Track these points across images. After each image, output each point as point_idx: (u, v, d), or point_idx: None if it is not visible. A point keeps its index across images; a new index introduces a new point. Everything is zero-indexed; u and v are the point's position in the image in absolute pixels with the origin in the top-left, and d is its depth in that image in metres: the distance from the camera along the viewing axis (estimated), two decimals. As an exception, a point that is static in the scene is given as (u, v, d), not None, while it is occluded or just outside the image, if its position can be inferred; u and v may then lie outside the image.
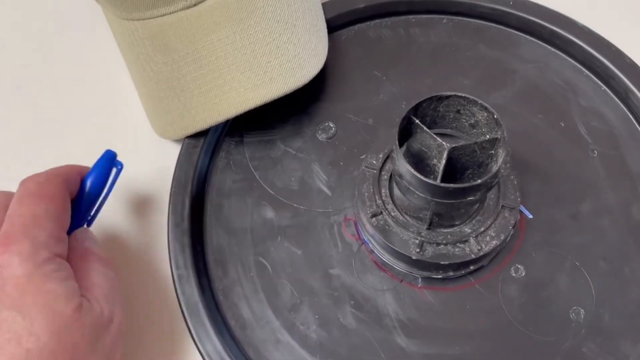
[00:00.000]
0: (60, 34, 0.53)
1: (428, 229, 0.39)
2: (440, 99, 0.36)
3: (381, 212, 0.39)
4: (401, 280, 0.40)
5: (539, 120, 0.44)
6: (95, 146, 0.47)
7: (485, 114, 0.36)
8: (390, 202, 0.40)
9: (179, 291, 0.39)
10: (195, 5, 0.42)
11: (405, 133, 0.37)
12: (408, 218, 0.39)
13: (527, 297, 0.39)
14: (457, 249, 0.38)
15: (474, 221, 0.39)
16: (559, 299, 0.39)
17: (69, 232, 0.38)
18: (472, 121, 0.37)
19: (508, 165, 0.40)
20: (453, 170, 0.37)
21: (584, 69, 0.46)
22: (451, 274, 0.39)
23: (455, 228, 0.39)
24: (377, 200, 0.39)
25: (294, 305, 0.40)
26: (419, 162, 0.38)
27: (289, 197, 0.43)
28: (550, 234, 0.41)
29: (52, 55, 0.52)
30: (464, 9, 0.48)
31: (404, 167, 0.35)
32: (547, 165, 0.43)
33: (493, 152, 0.36)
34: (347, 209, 0.42)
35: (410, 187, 0.35)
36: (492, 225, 0.38)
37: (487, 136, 0.37)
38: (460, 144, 0.35)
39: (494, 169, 0.34)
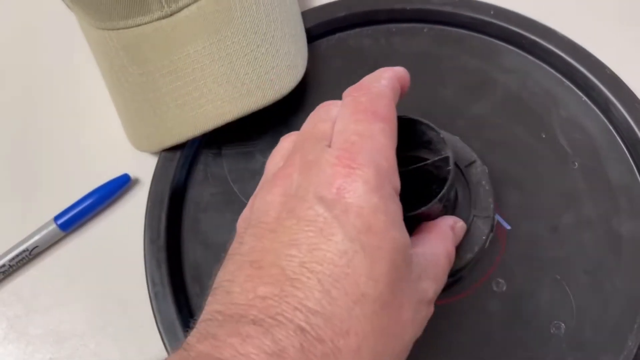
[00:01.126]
0: (34, 41, 0.52)
1: None
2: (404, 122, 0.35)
3: None
4: (381, 295, 0.39)
5: (519, 131, 0.44)
6: (70, 157, 0.47)
7: (434, 133, 0.35)
8: None
9: (155, 309, 0.38)
10: (170, 15, 0.41)
11: None
12: None
13: (508, 311, 0.39)
14: None
15: None
16: (540, 313, 0.39)
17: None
18: (426, 139, 0.37)
19: (478, 170, 0.39)
20: (412, 192, 0.34)
21: (564, 80, 0.46)
22: None
23: None
24: None
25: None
26: None
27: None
28: (531, 247, 0.41)
29: (24, 61, 0.51)
30: (445, 18, 0.47)
31: None
32: (527, 177, 0.43)
33: (450, 168, 0.34)
34: (327, 222, 0.42)
35: None
36: (465, 238, 0.37)
37: (443, 153, 0.35)
38: (410, 167, 0.34)
39: (441, 193, 0.33)
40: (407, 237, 0.29)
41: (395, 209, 0.28)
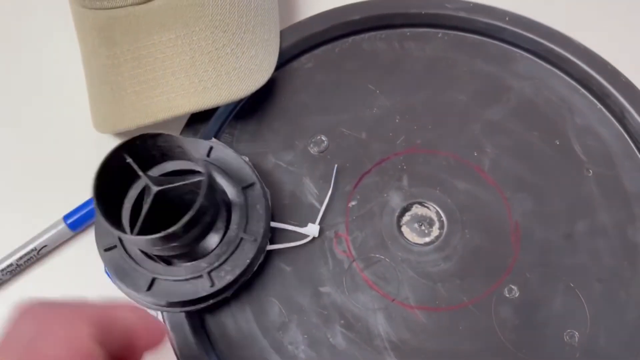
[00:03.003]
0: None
1: (167, 264, 0.37)
2: (152, 136, 0.34)
3: (115, 246, 0.37)
4: (393, 300, 0.39)
5: (533, 138, 0.44)
6: (80, 156, 0.46)
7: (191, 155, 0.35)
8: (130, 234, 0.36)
9: (163, 311, 0.38)
10: (145, 2, 0.41)
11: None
12: (146, 252, 0.37)
13: (521, 318, 0.38)
14: (188, 285, 0.36)
15: (212, 255, 0.37)
16: (553, 321, 0.38)
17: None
18: (198, 156, 0.36)
19: (256, 193, 0.38)
20: (185, 207, 0.33)
21: (579, 87, 0.45)
22: (189, 308, 0.37)
23: (193, 263, 0.36)
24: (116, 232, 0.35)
25: (282, 324, 0.39)
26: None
27: (279, 212, 0.42)
28: (544, 254, 0.40)
29: (34, 55, 0.51)
30: (460, 24, 0.47)
31: (97, 209, 0.32)
32: (541, 184, 0.42)
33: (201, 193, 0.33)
34: (339, 225, 0.41)
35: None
36: (229, 260, 0.36)
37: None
38: (169, 186, 0.34)
39: (184, 219, 0.32)
40: None
41: None
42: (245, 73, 0.41)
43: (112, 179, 0.33)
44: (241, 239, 0.37)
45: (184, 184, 0.34)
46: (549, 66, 0.46)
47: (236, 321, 0.39)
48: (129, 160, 0.34)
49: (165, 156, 0.36)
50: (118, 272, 0.36)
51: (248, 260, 0.37)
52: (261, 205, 0.38)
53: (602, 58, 0.45)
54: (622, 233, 0.41)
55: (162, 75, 0.40)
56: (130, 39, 0.41)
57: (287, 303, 0.39)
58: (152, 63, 0.41)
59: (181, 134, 0.43)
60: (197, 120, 0.43)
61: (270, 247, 0.39)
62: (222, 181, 0.38)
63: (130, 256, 0.36)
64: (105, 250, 0.37)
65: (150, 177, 0.34)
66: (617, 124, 0.44)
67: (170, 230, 0.31)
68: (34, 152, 0.47)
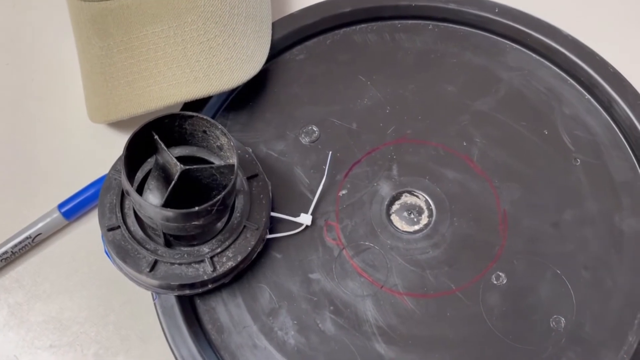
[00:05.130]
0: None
1: (167, 247, 0.37)
2: (183, 117, 0.36)
3: (118, 226, 0.37)
4: (382, 286, 0.39)
5: (522, 128, 0.44)
6: (74, 145, 0.47)
7: (226, 139, 0.36)
8: (133, 215, 0.38)
9: (155, 297, 0.38)
10: None
11: (153, 146, 0.36)
12: (148, 234, 0.38)
13: (508, 305, 0.39)
14: (191, 270, 0.36)
15: (214, 240, 0.37)
16: (540, 307, 0.39)
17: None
18: (219, 143, 0.37)
19: (260, 184, 0.39)
20: (198, 191, 0.35)
21: (568, 78, 0.46)
22: (187, 292, 0.37)
23: (195, 247, 0.37)
24: (118, 212, 0.37)
25: (272, 309, 0.39)
26: (167, 177, 0.36)
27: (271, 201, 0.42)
28: (532, 242, 0.41)
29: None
30: (450, 16, 0.48)
31: (126, 185, 0.34)
32: (529, 173, 0.43)
33: (233, 177, 0.34)
34: (329, 213, 0.42)
35: (135, 206, 0.35)
36: (232, 246, 0.37)
37: (230, 161, 0.36)
38: (195, 166, 0.34)
39: (218, 197, 0.33)
40: None
41: None
42: (237, 63, 0.42)
43: (132, 153, 0.35)
44: (244, 226, 0.38)
45: (210, 167, 0.35)
46: (537, 57, 0.47)
47: (227, 307, 0.39)
48: (156, 137, 0.35)
49: (183, 140, 0.37)
50: (120, 253, 0.37)
51: (250, 248, 0.37)
52: (265, 195, 0.39)
53: (590, 49, 0.45)
54: (609, 221, 0.41)
55: (154, 65, 0.41)
56: (123, 30, 0.42)
57: (278, 289, 0.40)
58: (144, 54, 0.41)
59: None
60: (189, 111, 0.44)
61: (268, 236, 0.40)
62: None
63: (133, 237, 0.37)
64: (109, 230, 0.37)
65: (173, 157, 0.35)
66: (604, 114, 0.44)
67: (204, 205, 0.33)
68: (29, 141, 0.48)
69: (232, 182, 0.34)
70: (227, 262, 0.37)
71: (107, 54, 0.42)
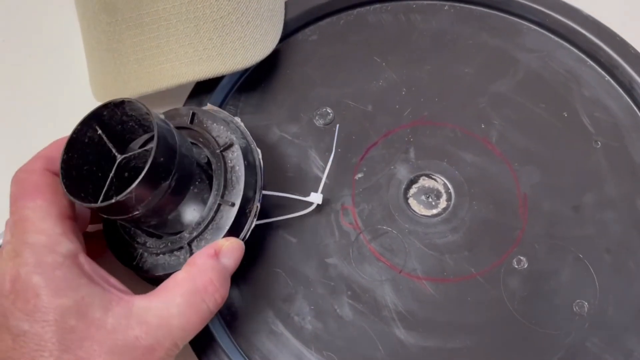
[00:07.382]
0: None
1: (155, 237, 0.36)
2: (116, 105, 0.33)
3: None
4: (400, 271, 0.39)
5: (541, 110, 0.43)
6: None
7: (148, 115, 0.33)
8: None
9: (169, 278, 0.37)
10: None
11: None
12: (140, 227, 0.36)
13: (530, 289, 0.38)
14: (173, 258, 0.35)
15: (194, 224, 0.35)
16: (562, 291, 0.38)
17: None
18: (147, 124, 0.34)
19: (235, 154, 0.36)
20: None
21: (587, 59, 0.45)
22: None
23: (177, 235, 0.36)
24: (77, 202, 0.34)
25: (288, 295, 0.38)
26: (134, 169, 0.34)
27: (285, 184, 0.41)
28: (553, 226, 0.40)
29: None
30: (466, -4, 0.47)
31: (62, 187, 0.31)
32: (549, 156, 0.42)
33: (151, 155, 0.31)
34: (345, 197, 0.41)
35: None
36: (209, 228, 0.35)
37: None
38: (131, 153, 0.33)
39: (135, 182, 0.30)
40: (76, 297, 0.30)
41: (61, 275, 0.30)
42: (250, 42, 0.41)
43: (82, 152, 0.33)
44: (219, 205, 0.35)
45: (145, 150, 0.33)
46: (556, 38, 0.46)
47: (241, 292, 0.38)
48: (96, 127, 0.33)
49: (143, 127, 0.34)
50: (111, 243, 0.36)
51: (227, 227, 0.35)
52: (240, 166, 0.36)
53: (611, 29, 0.44)
54: (630, 204, 0.40)
55: (165, 42, 0.40)
56: (133, 6, 0.40)
57: (293, 274, 0.39)
58: (155, 30, 0.40)
59: (185, 104, 0.43)
60: (201, 91, 0.43)
61: (275, 218, 0.39)
62: (201, 149, 0.37)
63: (124, 229, 0.36)
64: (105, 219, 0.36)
65: (117, 147, 0.33)
66: (625, 96, 0.44)
67: (125, 194, 0.30)
68: (31, 122, 0.47)
69: (148, 164, 0.30)
70: (200, 243, 0.35)
71: (115, 30, 0.41)
